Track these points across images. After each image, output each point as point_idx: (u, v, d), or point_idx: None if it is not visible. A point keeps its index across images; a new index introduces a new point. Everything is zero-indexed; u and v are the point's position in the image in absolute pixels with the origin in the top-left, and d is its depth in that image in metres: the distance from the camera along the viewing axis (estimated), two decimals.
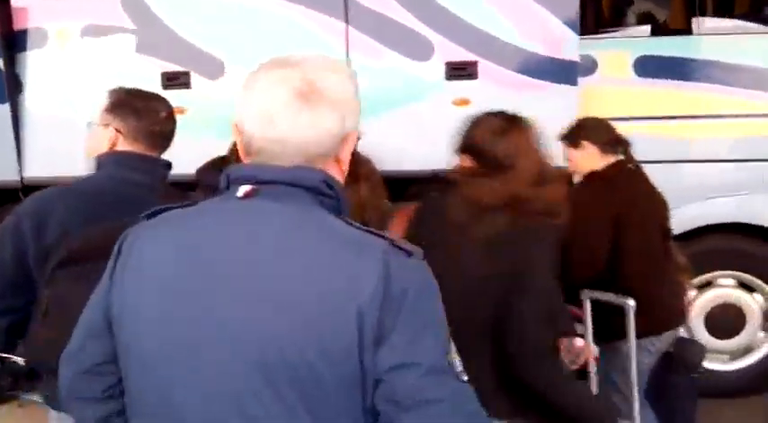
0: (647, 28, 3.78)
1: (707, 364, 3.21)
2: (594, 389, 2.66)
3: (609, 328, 2.69)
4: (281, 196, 1.06)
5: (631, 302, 2.60)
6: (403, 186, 4.08)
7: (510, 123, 2.01)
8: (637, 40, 3.73)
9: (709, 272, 3.75)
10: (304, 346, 0.97)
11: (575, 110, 3.53)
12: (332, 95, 1.08)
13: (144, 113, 1.94)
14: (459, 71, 3.56)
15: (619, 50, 3.72)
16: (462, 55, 3.56)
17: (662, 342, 2.80)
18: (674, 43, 3.70)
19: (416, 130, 3.63)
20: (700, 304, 3.80)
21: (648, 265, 2.70)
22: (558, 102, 3.54)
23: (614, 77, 3.71)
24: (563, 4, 3.50)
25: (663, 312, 2.76)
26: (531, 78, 3.54)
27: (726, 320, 3.81)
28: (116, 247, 1.14)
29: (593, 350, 2.69)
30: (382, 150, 3.64)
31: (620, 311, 2.63)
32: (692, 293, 3.55)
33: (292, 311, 0.98)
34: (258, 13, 3.63)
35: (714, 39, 3.70)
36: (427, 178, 3.70)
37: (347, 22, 3.59)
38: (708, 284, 3.81)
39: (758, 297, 3.82)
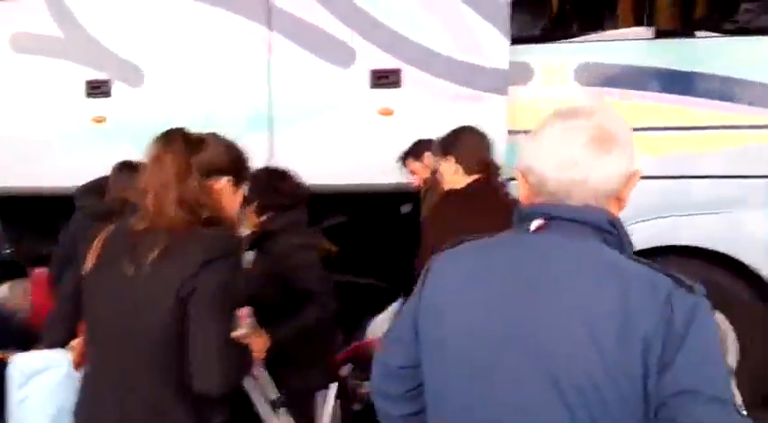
0: (589, 34, 3.56)
1: None
2: None
3: None
4: (569, 232, 1.18)
5: None
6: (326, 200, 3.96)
7: None
8: (577, 47, 3.52)
9: None
10: (594, 370, 1.07)
11: (504, 119, 3.36)
12: (621, 140, 1.19)
13: None
14: (384, 79, 3.41)
15: (558, 57, 3.52)
16: (387, 62, 3.40)
17: None
18: (620, 49, 3.49)
19: (339, 141, 3.48)
20: None
21: None
22: (487, 111, 3.36)
23: (552, 86, 3.51)
24: (493, 9, 3.34)
25: None
26: (458, 86, 3.37)
27: None
28: (424, 270, 1.33)
29: None
30: (302, 162, 3.52)
31: None
32: None
33: (586, 335, 1.09)
34: (178, 19, 3.53)
35: (664, 43, 3.47)
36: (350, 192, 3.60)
37: (270, 27, 3.46)
38: None
39: None
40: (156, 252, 1.55)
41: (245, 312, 1.93)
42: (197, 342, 1.53)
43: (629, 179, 1.20)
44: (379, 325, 3.33)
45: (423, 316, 1.29)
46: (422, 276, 1.33)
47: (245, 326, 1.92)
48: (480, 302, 1.20)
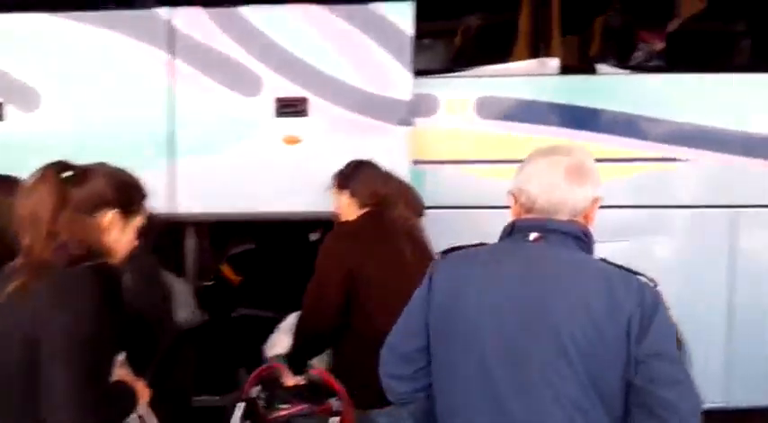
0: (491, 68, 3.71)
1: None
2: None
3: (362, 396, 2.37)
4: (558, 240, 1.59)
5: None
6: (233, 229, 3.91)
7: None
8: (479, 81, 3.67)
9: None
10: (593, 338, 1.48)
11: (408, 150, 3.44)
12: (590, 172, 1.62)
13: None
14: (290, 108, 3.41)
15: (461, 91, 3.65)
16: (293, 91, 3.42)
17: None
18: (520, 84, 3.66)
19: (244, 169, 3.44)
20: None
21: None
22: (392, 142, 3.43)
23: (456, 118, 3.63)
24: (396, 42, 3.41)
25: None
26: (363, 117, 3.42)
27: None
28: (428, 274, 1.70)
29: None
30: (208, 191, 3.47)
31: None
32: None
33: (586, 316, 1.49)
34: (77, 42, 3.40)
35: (562, 80, 3.67)
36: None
37: (172, 53, 3.40)
38: None
39: None
40: (10, 288, 1.49)
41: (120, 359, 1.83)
42: (45, 386, 1.47)
43: (594, 202, 1.64)
44: (275, 341, 3.27)
45: (436, 312, 1.65)
46: (426, 281, 1.69)
47: (120, 372, 1.82)
48: (502, 296, 1.56)
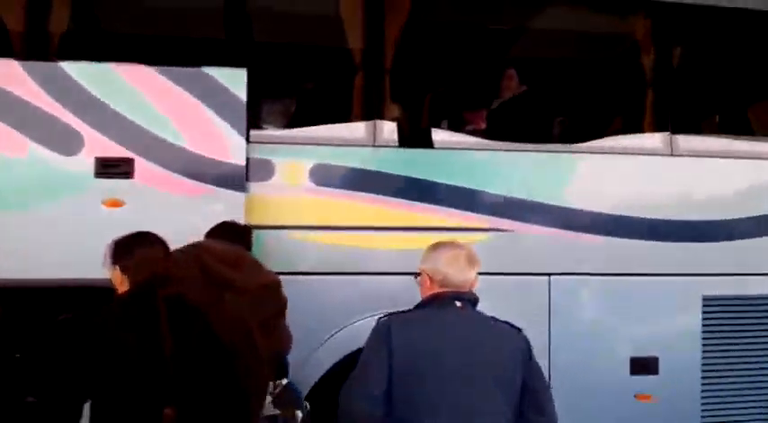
0: (326, 136, 3.75)
1: None
2: None
3: None
4: (470, 306, 2.34)
5: None
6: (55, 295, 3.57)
7: None
8: (314, 149, 3.69)
9: None
10: (507, 368, 2.24)
11: (242, 216, 3.36)
12: (476, 258, 2.39)
13: None
14: (112, 168, 3.23)
15: (296, 158, 3.65)
16: (117, 151, 3.25)
17: None
18: (353, 154, 3.73)
19: (59, 233, 3.18)
20: None
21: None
22: (224, 207, 3.34)
23: (290, 185, 3.62)
24: (231, 107, 3.39)
25: None
26: (193, 181, 3.32)
27: None
28: (381, 334, 2.26)
29: None
30: (20, 254, 3.16)
31: None
32: None
33: (501, 355, 2.26)
34: None
35: (396, 151, 3.78)
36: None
37: None
38: None
39: None
40: None
41: None
42: None
43: (477, 277, 2.37)
44: None
45: (399, 358, 2.19)
46: (382, 334, 2.24)
47: None
48: (450, 344, 2.22)
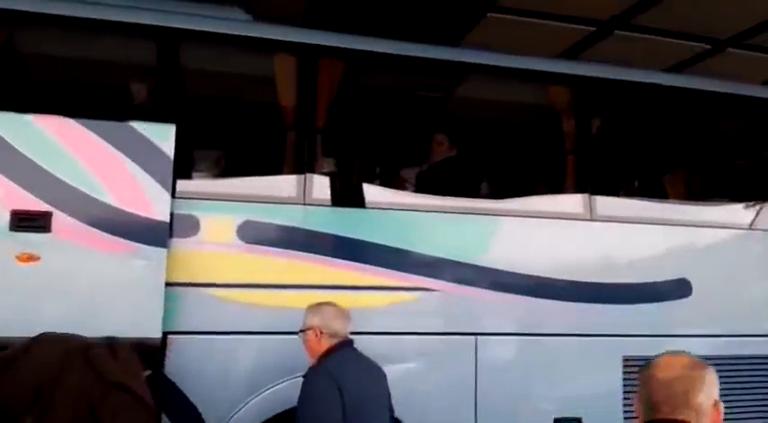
0: (253, 193, 3.70)
1: None
2: None
3: None
4: (356, 349, 3.03)
5: None
6: None
7: None
8: (242, 205, 3.64)
9: None
10: (386, 400, 3.04)
11: (162, 273, 3.28)
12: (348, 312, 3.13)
13: None
14: (29, 222, 3.12)
15: (223, 214, 3.61)
16: (34, 205, 3.15)
17: None
18: (283, 211, 3.70)
19: None
20: None
21: None
22: (146, 263, 3.26)
23: (216, 240, 3.56)
24: (157, 162, 3.35)
25: None
26: (113, 236, 3.23)
27: None
28: (327, 376, 2.79)
29: None
30: None
31: None
32: None
33: (385, 387, 3.05)
34: None
35: (327, 210, 3.77)
36: None
37: None
38: None
39: None
40: None
41: None
42: None
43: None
44: None
45: (348, 397, 2.70)
46: (332, 380, 2.74)
47: None
48: (365, 379, 2.88)
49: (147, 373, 2.86)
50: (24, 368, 2.35)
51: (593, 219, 4.18)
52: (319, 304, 3.04)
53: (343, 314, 3.01)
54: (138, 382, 2.67)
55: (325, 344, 2.93)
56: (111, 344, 2.69)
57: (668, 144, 5.20)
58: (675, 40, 5.91)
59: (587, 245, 4.17)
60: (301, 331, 3.03)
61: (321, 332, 2.92)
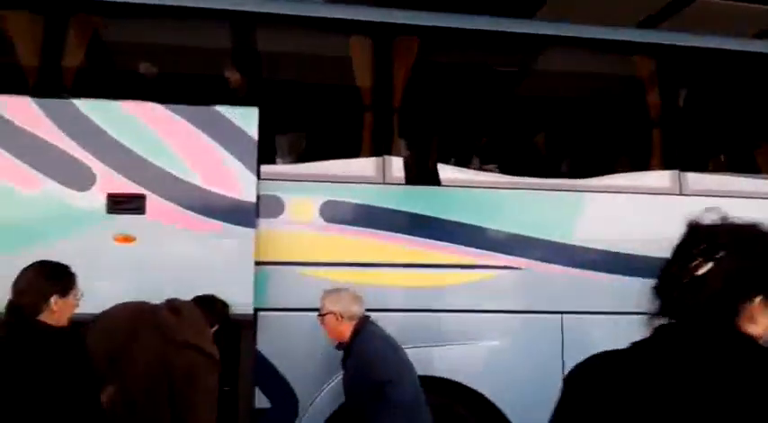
0: (336, 174, 3.73)
1: None
2: None
3: None
4: None
5: None
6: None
7: None
8: (323, 186, 3.68)
9: None
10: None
11: (252, 251, 3.35)
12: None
13: None
14: (124, 204, 3.23)
15: (305, 195, 3.64)
16: (128, 187, 3.26)
17: None
18: (363, 191, 3.71)
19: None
20: None
21: None
22: (234, 243, 3.33)
23: (299, 221, 3.60)
24: (242, 144, 3.41)
25: None
26: (204, 217, 3.32)
27: None
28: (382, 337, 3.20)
29: None
30: None
31: None
32: None
33: None
34: None
35: (405, 189, 3.76)
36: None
37: None
38: None
39: None
40: None
41: None
42: None
43: None
44: None
45: (399, 354, 3.12)
46: (385, 342, 3.10)
47: None
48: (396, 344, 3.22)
49: (215, 328, 2.95)
50: (93, 339, 2.48)
51: (682, 193, 4.02)
52: (338, 290, 3.20)
53: (359, 298, 3.19)
54: (203, 338, 2.78)
55: (347, 324, 3.11)
56: (173, 305, 2.80)
57: (759, 115, 4.93)
58: (764, 6, 5.59)
59: (676, 221, 3.99)
60: (321, 315, 3.14)
61: (342, 317, 3.09)
